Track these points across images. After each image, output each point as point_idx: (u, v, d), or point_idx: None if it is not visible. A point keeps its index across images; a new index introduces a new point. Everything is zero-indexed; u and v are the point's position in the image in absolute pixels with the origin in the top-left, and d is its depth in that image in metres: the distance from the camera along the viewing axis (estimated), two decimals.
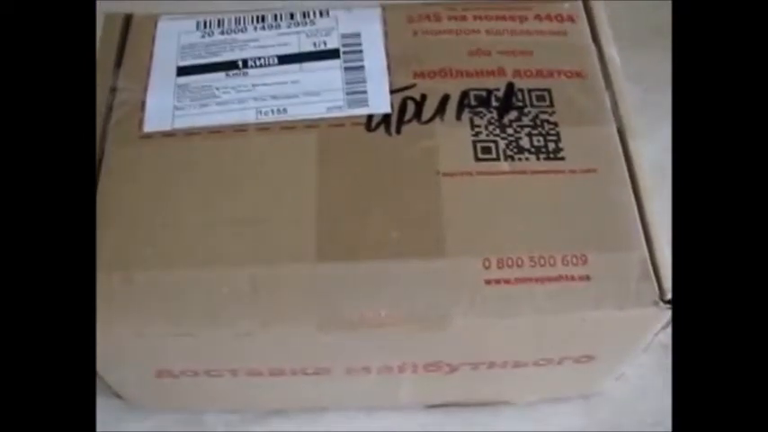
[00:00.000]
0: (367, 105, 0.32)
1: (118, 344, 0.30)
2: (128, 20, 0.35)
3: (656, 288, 0.29)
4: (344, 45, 0.34)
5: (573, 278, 0.29)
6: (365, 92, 0.33)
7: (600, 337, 0.31)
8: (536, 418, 0.37)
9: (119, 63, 0.34)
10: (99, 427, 0.36)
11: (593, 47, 0.34)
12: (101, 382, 0.34)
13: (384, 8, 0.35)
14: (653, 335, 0.31)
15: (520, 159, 0.31)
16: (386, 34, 0.34)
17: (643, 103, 0.46)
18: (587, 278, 0.29)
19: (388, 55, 0.34)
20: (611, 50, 0.34)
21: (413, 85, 0.33)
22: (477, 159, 0.31)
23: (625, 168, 0.31)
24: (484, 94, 0.33)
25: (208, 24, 0.35)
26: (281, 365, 0.31)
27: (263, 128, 0.32)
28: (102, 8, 0.34)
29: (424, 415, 0.37)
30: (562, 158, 0.31)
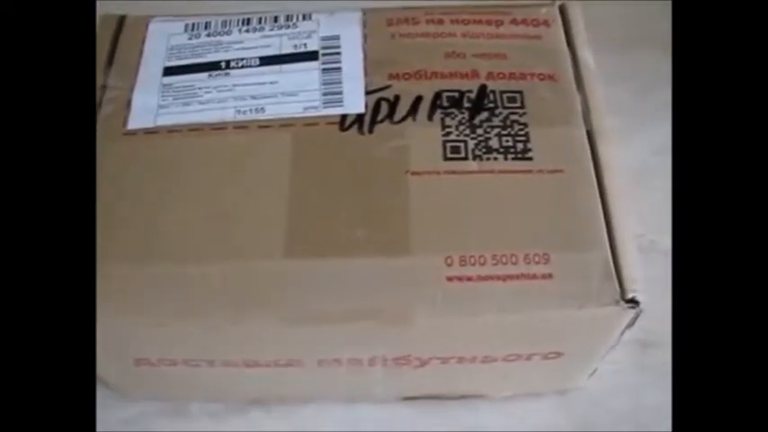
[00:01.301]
0: (342, 105, 0.33)
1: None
2: (121, 21, 0.37)
3: (618, 288, 0.29)
4: (323, 47, 0.35)
5: (535, 276, 0.29)
6: (341, 92, 0.34)
7: (564, 334, 0.31)
8: (513, 412, 0.38)
9: (110, 62, 0.35)
10: None
11: (566, 50, 0.35)
12: None
13: (365, 12, 0.36)
14: (618, 334, 0.31)
15: (488, 159, 0.32)
16: (365, 37, 0.35)
17: (629, 105, 0.47)
18: (549, 276, 0.29)
19: (365, 57, 0.35)
20: (585, 54, 0.35)
21: (388, 87, 0.34)
22: (446, 159, 0.32)
23: (592, 170, 0.32)
24: (456, 95, 0.33)
25: (195, 27, 0.36)
26: (255, 357, 0.32)
27: (240, 126, 0.33)
28: (100, 9, 0.36)
29: (402, 408, 0.38)
30: (530, 159, 0.32)
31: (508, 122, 0.33)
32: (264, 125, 0.33)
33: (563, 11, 0.36)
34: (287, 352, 0.32)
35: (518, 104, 0.33)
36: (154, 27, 0.37)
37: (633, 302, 0.29)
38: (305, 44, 0.35)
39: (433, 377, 0.35)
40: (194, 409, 0.38)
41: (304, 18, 0.36)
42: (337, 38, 0.35)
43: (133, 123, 0.33)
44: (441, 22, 0.35)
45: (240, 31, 0.36)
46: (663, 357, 0.39)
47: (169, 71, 0.35)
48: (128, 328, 0.30)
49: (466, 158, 0.32)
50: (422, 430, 0.37)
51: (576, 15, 0.36)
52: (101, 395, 0.38)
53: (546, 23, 0.35)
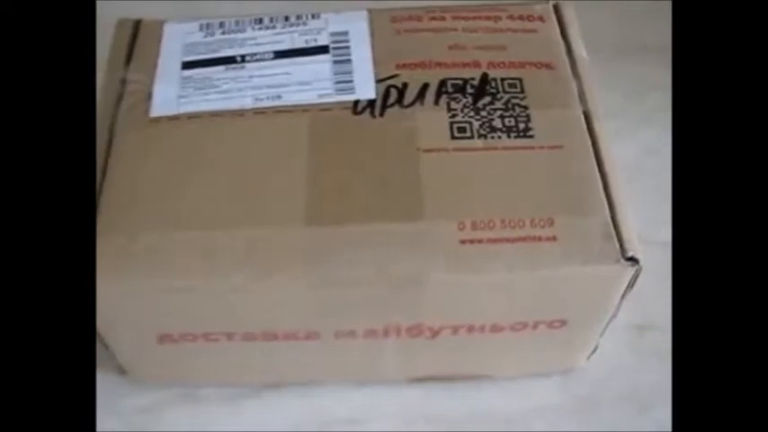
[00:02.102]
0: (354, 92, 0.35)
1: (122, 305, 0.32)
2: (137, 24, 0.39)
3: (618, 247, 0.31)
4: (333, 42, 0.37)
5: (540, 238, 0.31)
6: (352, 81, 0.36)
7: (569, 296, 0.33)
8: (517, 391, 0.39)
9: (128, 60, 0.37)
10: (99, 401, 0.39)
11: (561, 42, 0.37)
12: (105, 355, 0.37)
13: (370, 11, 0.39)
14: (619, 297, 0.33)
15: (492, 138, 0.34)
16: (372, 33, 0.38)
17: (621, 108, 0.50)
18: (554, 239, 0.31)
19: (373, 50, 0.37)
20: (579, 46, 0.37)
21: (396, 75, 0.36)
22: (453, 138, 0.34)
23: (590, 145, 0.34)
24: (460, 82, 0.36)
25: (210, 26, 0.39)
26: (274, 328, 0.34)
27: (259, 112, 0.35)
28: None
29: (411, 389, 0.39)
30: (531, 136, 0.34)
31: (509, 105, 0.35)
32: (282, 110, 0.35)
33: (557, 9, 0.38)
34: (305, 321, 0.33)
35: (518, 90, 0.36)
36: (169, 28, 0.39)
37: (633, 260, 0.31)
38: (315, 39, 0.38)
39: (442, 353, 0.36)
40: (209, 394, 0.39)
41: (313, 17, 0.39)
42: (346, 33, 0.38)
43: (156, 112, 0.35)
44: (442, 18, 0.38)
45: (253, 29, 0.38)
46: (660, 340, 0.41)
47: (187, 65, 0.37)
48: (156, 297, 0.32)
49: (472, 137, 0.34)
50: (430, 410, 0.38)
51: (570, 13, 0.38)
52: (116, 383, 0.39)
53: (541, 19, 0.38)
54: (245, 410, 0.39)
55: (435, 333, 0.34)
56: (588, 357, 0.39)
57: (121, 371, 0.38)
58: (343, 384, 0.39)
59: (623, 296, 0.33)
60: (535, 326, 0.35)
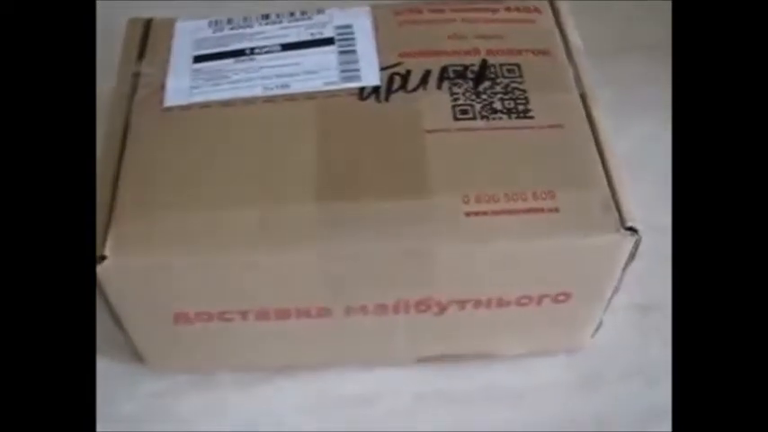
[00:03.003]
0: (359, 80, 0.37)
1: (139, 284, 0.33)
2: (148, 22, 0.40)
3: (618, 217, 0.33)
4: (338, 34, 0.39)
5: (543, 210, 0.33)
6: (358, 69, 0.37)
7: (571, 268, 0.34)
8: (525, 369, 0.40)
9: (141, 55, 0.39)
10: (117, 387, 0.40)
11: (557, 31, 0.39)
12: (122, 342, 0.38)
13: (373, 6, 0.40)
14: (621, 268, 0.34)
15: (493, 119, 0.35)
16: (375, 26, 0.39)
17: (614, 104, 0.51)
18: (556, 210, 0.33)
19: (377, 41, 0.39)
20: (574, 35, 0.39)
21: (399, 63, 0.37)
22: (456, 119, 0.35)
23: (587, 124, 0.35)
24: (461, 68, 0.37)
25: (219, 23, 0.40)
26: (287, 305, 0.35)
27: (268, 100, 0.36)
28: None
29: (418, 369, 0.40)
30: (531, 117, 0.36)
31: (509, 89, 0.36)
32: (290, 98, 0.36)
33: (551, 2, 0.40)
34: (317, 296, 0.34)
35: (517, 75, 0.37)
36: (180, 25, 0.40)
37: (632, 230, 0.32)
38: (321, 32, 0.39)
39: (450, 331, 0.37)
40: (222, 379, 0.40)
41: (318, 12, 0.40)
42: (350, 26, 0.39)
43: (169, 102, 0.37)
44: (442, 11, 0.40)
45: (260, 24, 0.40)
46: (663, 320, 0.42)
47: (198, 59, 0.38)
48: (172, 274, 0.33)
49: (474, 119, 0.35)
50: (440, 388, 0.39)
51: (564, 5, 0.40)
52: (131, 370, 0.40)
53: (537, 11, 0.40)
54: (258, 394, 0.40)
55: (443, 308, 0.36)
56: (593, 335, 0.40)
57: (138, 359, 0.39)
58: (353, 367, 0.40)
59: (624, 268, 0.35)
60: (540, 300, 0.36)
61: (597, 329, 0.40)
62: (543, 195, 0.33)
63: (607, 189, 0.33)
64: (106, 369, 0.39)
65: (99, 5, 0.40)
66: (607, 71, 0.52)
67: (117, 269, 0.32)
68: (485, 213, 0.33)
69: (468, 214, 0.33)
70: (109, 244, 0.32)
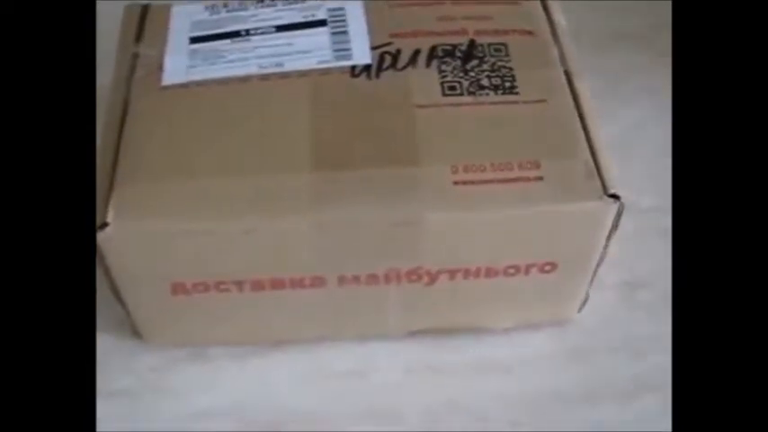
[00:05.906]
0: (351, 59, 0.38)
1: (138, 253, 0.34)
2: (145, 8, 0.42)
3: (600, 185, 0.34)
4: (331, 16, 0.40)
5: (528, 179, 0.34)
6: (349, 49, 0.39)
7: (557, 236, 0.35)
8: (513, 342, 0.41)
9: (139, 38, 0.40)
10: (114, 361, 0.40)
11: (543, 13, 0.40)
12: (121, 317, 0.39)
13: None
14: (604, 237, 0.36)
15: (480, 95, 0.37)
16: (366, 9, 0.41)
17: (602, 91, 0.53)
18: (540, 179, 0.34)
19: (368, 22, 0.40)
20: (560, 17, 0.41)
21: (389, 43, 0.39)
22: (445, 95, 0.37)
23: (571, 99, 0.37)
24: (449, 47, 0.39)
25: (215, 7, 0.41)
26: (281, 274, 0.36)
27: (263, 78, 0.38)
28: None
29: (410, 342, 0.41)
30: (517, 93, 0.37)
31: (496, 67, 0.38)
32: (285, 76, 0.38)
33: None
34: (311, 264, 0.35)
35: (503, 54, 0.38)
36: (177, 9, 0.42)
37: (615, 197, 0.34)
38: (313, 14, 0.40)
39: (440, 303, 0.38)
40: (217, 352, 0.41)
41: None
42: (342, 9, 0.41)
43: (167, 80, 0.38)
44: None
45: (255, 7, 0.41)
46: (649, 295, 0.43)
47: (195, 40, 0.40)
48: (170, 242, 0.34)
49: (462, 94, 0.37)
50: (431, 360, 0.40)
51: None
52: (128, 345, 0.41)
53: None
54: (252, 367, 0.40)
55: (433, 278, 0.37)
56: (579, 310, 0.41)
57: (136, 334, 0.40)
58: (346, 341, 0.41)
59: (609, 237, 0.36)
60: (527, 270, 0.37)
61: (584, 304, 0.41)
62: (528, 165, 0.34)
63: (590, 159, 0.35)
64: (103, 345, 0.40)
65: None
66: (596, 60, 0.53)
67: (118, 235, 0.33)
68: (472, 182, 0.34)
69: (456, 183, 0.34)
70: (110, 211, 0.33)
